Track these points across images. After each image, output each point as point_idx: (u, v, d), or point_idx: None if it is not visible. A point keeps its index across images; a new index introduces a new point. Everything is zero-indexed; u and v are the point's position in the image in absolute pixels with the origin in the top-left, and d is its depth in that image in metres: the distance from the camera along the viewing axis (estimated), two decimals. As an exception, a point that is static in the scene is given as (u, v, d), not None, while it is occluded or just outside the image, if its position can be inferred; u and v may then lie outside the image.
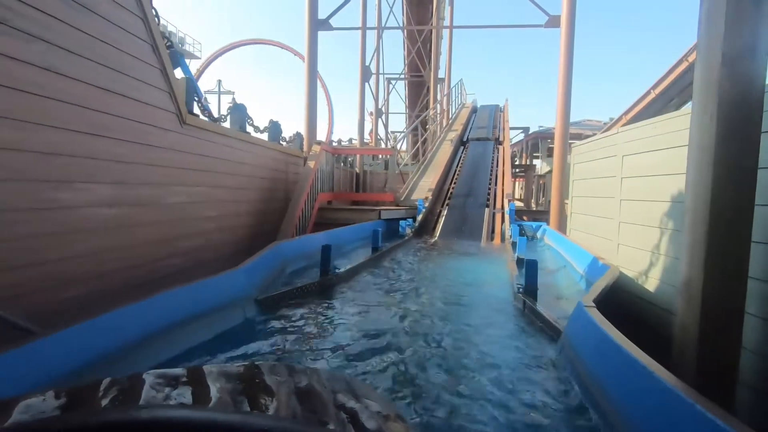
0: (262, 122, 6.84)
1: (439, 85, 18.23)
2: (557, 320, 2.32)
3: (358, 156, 12.58)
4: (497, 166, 10.14)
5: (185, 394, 0.45)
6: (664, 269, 3.03)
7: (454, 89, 16.93)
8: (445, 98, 15.26)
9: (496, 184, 8.95)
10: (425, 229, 7.03)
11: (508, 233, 6.40)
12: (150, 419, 0.33)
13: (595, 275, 3.25)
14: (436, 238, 6.51)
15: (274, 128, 6.64)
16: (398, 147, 18.98)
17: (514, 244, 5.78)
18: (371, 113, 20.28)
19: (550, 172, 15.67)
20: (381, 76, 17.33)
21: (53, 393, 0.43)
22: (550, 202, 13.85)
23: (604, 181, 4.04)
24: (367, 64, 14.08)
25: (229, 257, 4.89)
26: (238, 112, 5.44)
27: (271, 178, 6.40)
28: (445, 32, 20.10)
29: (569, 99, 7.33)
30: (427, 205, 7.52)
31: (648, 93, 12.63)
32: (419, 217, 7.06)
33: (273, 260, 3.39)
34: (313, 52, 7.56)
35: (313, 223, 6.69)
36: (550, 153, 20.12)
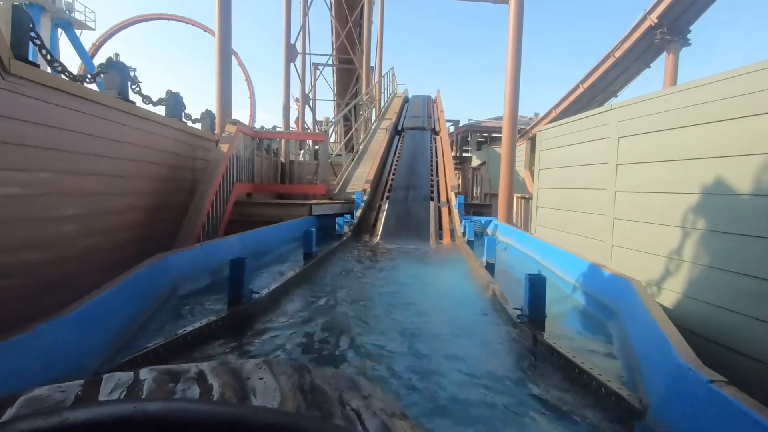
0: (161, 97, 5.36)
1: (369, 74, 17.28)
2: (606, 378, 1.48)
3: (283, 143, 11.09)
4: (436, 157, 9.46)
5: (190, 390, 0.43)
6: (692, 281, 2.35)
7: (385, 77, 16.11)
8: (376, 85, 14.36)
9: (437, 176, 8.23)
10: (365, 226, 6.07)
11: (459, 230, 5.65)
12: (155, 413, 0.32)
13: (602, 290, 2.51)
14: (378, 238, 5.57)
15: (174, 101, 5.22)
16: (329, 133, 17.80)
17: (470, 244, 5.04)
18: (297, 99, 18.83)
19: (483, 164, 15.53)
20: (308, 58, 15.99)
21: (56, 387, 0.43)
22: (486, 195, 13.63)
23: (588, 169, 3.36)
24: (292, 42, 12.71)
25: (102, 271, 3.52)
26: (117, 72, 4.00)
27: (170, 164, 5.00)
28: (376, 18, 19.18)
29: (518, 83, 6.78)
30: (365, 198, 6.55)
31: (577, 87, 12.79)
32: (357, 213, 6.08)
33: (151, 286, 2.20)
34: (226, 7, 6.16)
35: (227, 220, 5.41)
36: (479, 147, 20.25)
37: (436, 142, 10.77)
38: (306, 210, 5.90)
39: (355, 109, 12.40)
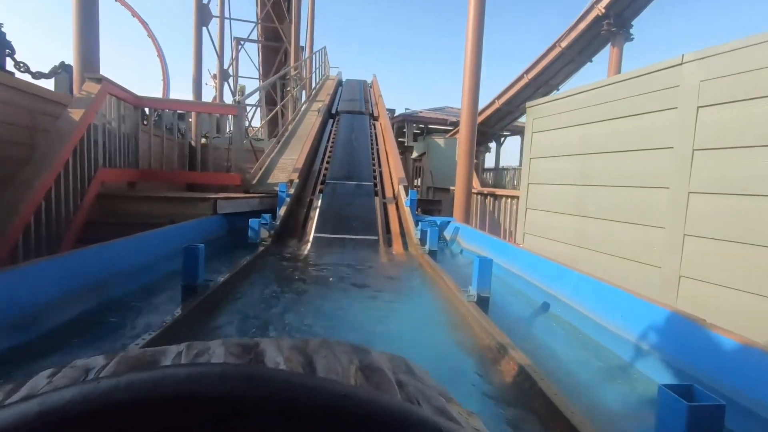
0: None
1: (299, 52, 15.47)
2: None
3: (193, 122, 8.91)
4: (377, 144, 8.19)
5: (263, 363, 0.44)
6: None
7: (316, 55, 14.48)
8: (307, 62, 12.68)
9: (380, 165, 6.96)
10: (291, 230, 4.60)
11: (413, 235, 4.40)
12: (259, 375, 0.30)
13: (737, 377, 1.37)
14: (308, 246, 4.15)
15: (-14, 35, 3.34)
16: (248, 113, 15.73)
17: (432, 254, 3.82)
18: (214, 76, 16.48)
19: (423, 154, 14.59)
20: (227, 25, 13.83)
21: (144, 351, 0.45)
22: (428, 189, 12.64)
23: (631, 157, 2.25)
24: (205, 1, 10.63)
25: None
26: None
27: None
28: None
29: (479, 65, 5.69)
30: (292, 191, 5.07)
31: (521, 77, 12.21)
32: (281, 211, 4.59)
33: None
34: None
35: (81, 223, 3.66)
36: (415, 138, 19.35)
37: (375, 128, 9.50)
38: (208, 207, 4.30)
39: (282, 88, 10.66)
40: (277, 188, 5.04)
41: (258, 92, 7.84)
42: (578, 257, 2.62)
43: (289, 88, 9.52)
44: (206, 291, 2.22)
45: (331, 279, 3.07)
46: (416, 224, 4.59)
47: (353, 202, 5.32)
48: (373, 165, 6.82)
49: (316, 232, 4.48)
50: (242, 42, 17.81)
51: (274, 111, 8.73)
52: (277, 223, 4.30)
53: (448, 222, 5.16)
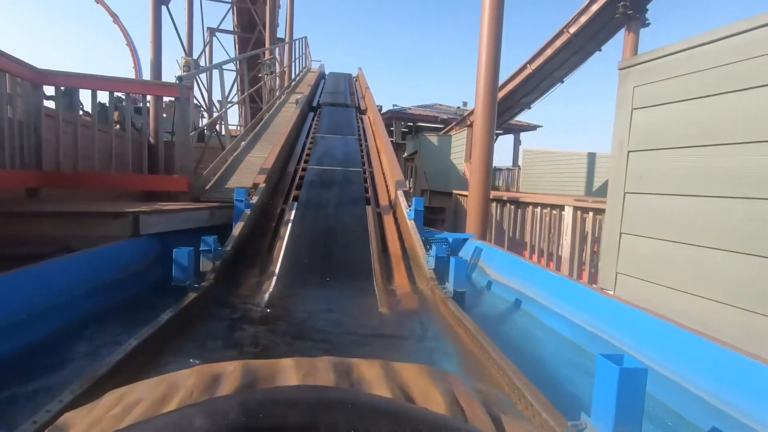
0: None
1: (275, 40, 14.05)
2: None
3: (151, 116, 7.24)
4: (366, 141, 6.89)
5: (360, 384, 0.46)
6: None
7: (297, 42, 13.11)
8: (286, 47, 11.30)
9: (371, 166, 5.66)
10: (250, 256, 3.26)
11: (426, 264, 3.08)
12: (368, 404, 0.37)
13: None
14: (272, 286, 2.83)
15: None
16: (190, 83, 14.33)
17: (459, 298, 2.52)
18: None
19: (414, 153, 13.33)
20: (196, 8, 12.34)
21: (264, 362, 0.51)
22: (422, 192, 11.38)
23: None
24: (164, -25, 9.16)
25: None
26: None
27: None
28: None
29: (498, 50, 4.46)
30: (255, 200, 3.73)
31: (524, 68, 11.04)
32: (237, 230, 3.23)
33: None
34: None
35: None
36: (403, 137, 18.12)
37: (363, 123, 8.21)
38: (126, 225, 2.94)
39: (251, 78, 9.29)
40: (233, 196, 3.68)
41: (217, 73, 6.43)
42: (762, 332, 1.39)
43: (261, 74, 8.14)
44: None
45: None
46: (426, 245, 3.31)
47: (338, 215, 4.02)
48: (363, 166, 5.52)
49: (285, 258, 3.16)
50: (215, 31, 16.34)
51: (242, 97, 7.33)
52: (228, 248, 2.95)
53: (465, 240, 3.89)
